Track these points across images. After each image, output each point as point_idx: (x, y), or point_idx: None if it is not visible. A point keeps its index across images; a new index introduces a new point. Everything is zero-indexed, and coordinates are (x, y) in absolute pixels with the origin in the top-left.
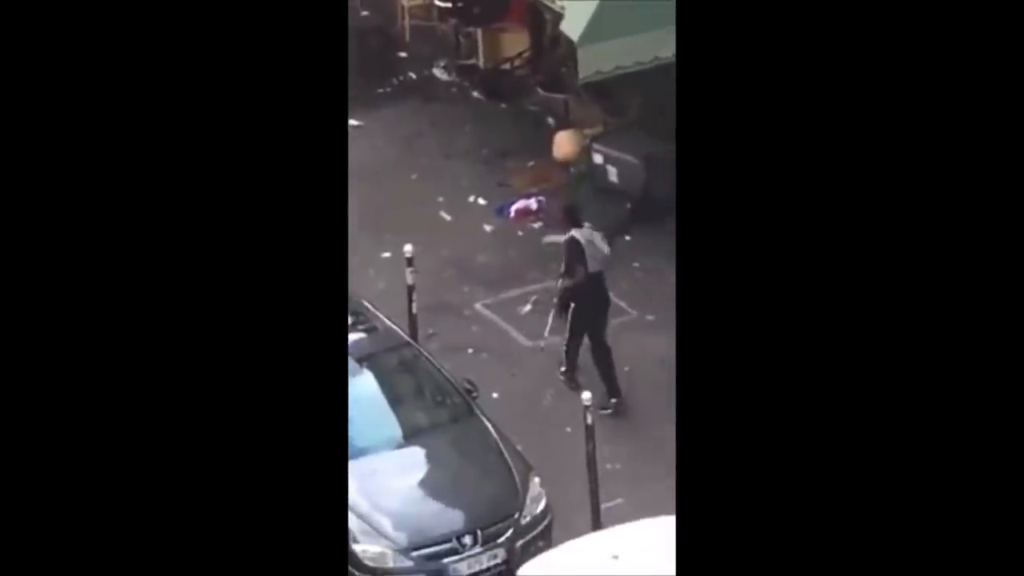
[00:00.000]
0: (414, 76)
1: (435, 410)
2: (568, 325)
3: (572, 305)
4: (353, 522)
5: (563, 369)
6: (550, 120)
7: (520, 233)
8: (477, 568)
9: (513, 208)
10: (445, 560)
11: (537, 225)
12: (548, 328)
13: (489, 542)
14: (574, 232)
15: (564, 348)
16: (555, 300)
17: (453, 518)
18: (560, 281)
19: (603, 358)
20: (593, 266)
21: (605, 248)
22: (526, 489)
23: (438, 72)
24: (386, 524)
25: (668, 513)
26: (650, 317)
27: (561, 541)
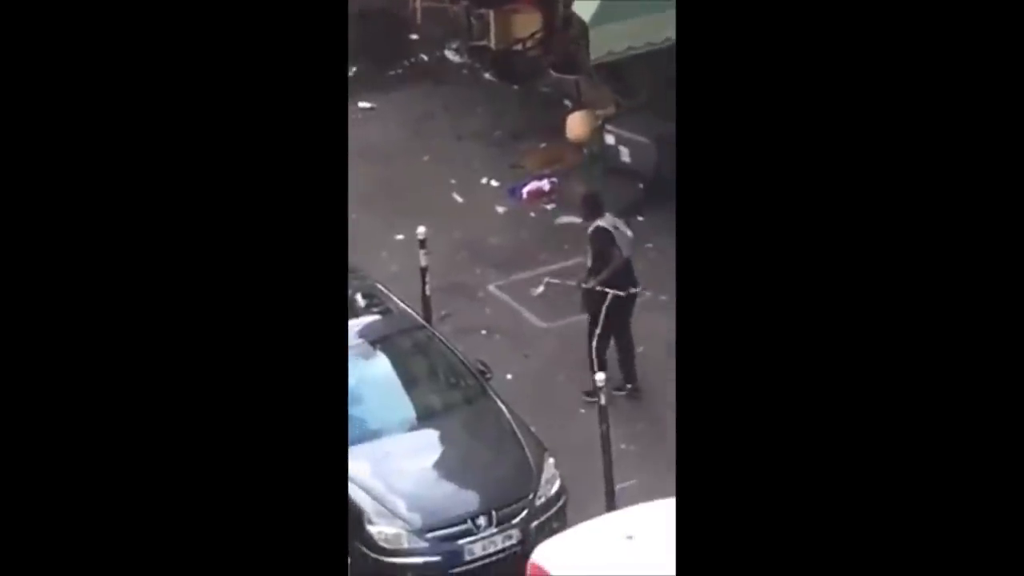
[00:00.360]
0: (425, 58)
1: (449, 392)
2: (602, 320)
3: (608, 296)
4: (368, 504)
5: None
6: (567, 101)
7: (533, 214)
8: (492, 549)
9: (526, 189)
10: (460, 541)
11: (550, 206)
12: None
13: (504, 523)
14: (600, 222)
15: (593, 346)
16: (596, 289)
17: (467, 499)
18: (588, 276)
19: (626, 345)
20: (624, 252)
21: (629, 233)
22: (540, 470)
23: (450, 54)
24: (401, 506)
25: None
26: (663, 297)
27: (576, 522)
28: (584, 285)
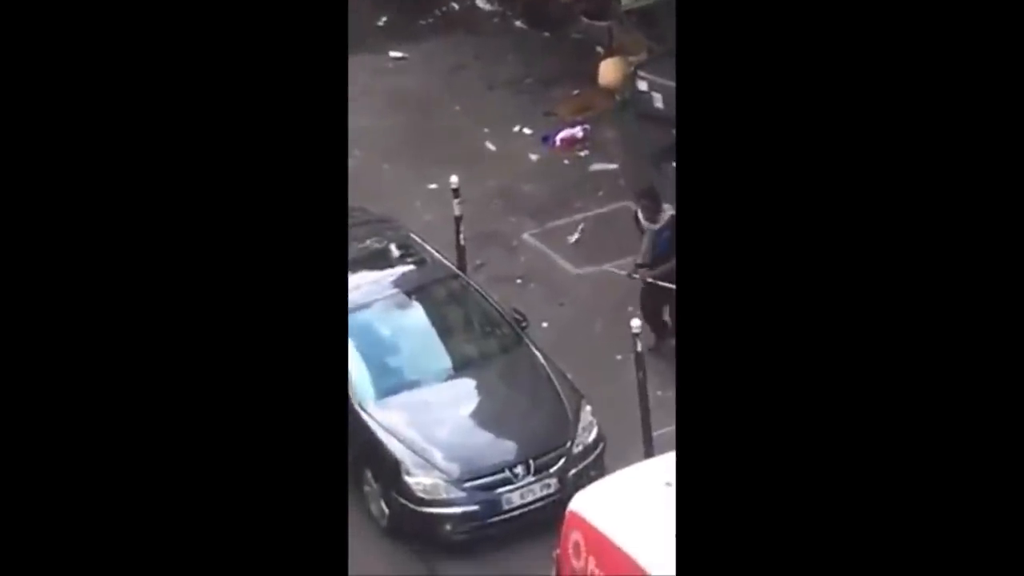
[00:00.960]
0: (456, 7)
1: (485, 341)
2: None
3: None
4: (405, 454)
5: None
6: (598, 48)
7: (566, 162)
8: (530, 498)
9: (559, 137)
10: (498, 490)
11: (583, 153)
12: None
13: (541, 472)
14: (671, 212)
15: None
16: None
17: (505, 448)
18: (639, 266)
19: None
20: None
21: None
22: (577, 418)
23: (480, 2)
24: (438, 456)
25: None
26: None
27: (614, 469)
28: (634, 275)
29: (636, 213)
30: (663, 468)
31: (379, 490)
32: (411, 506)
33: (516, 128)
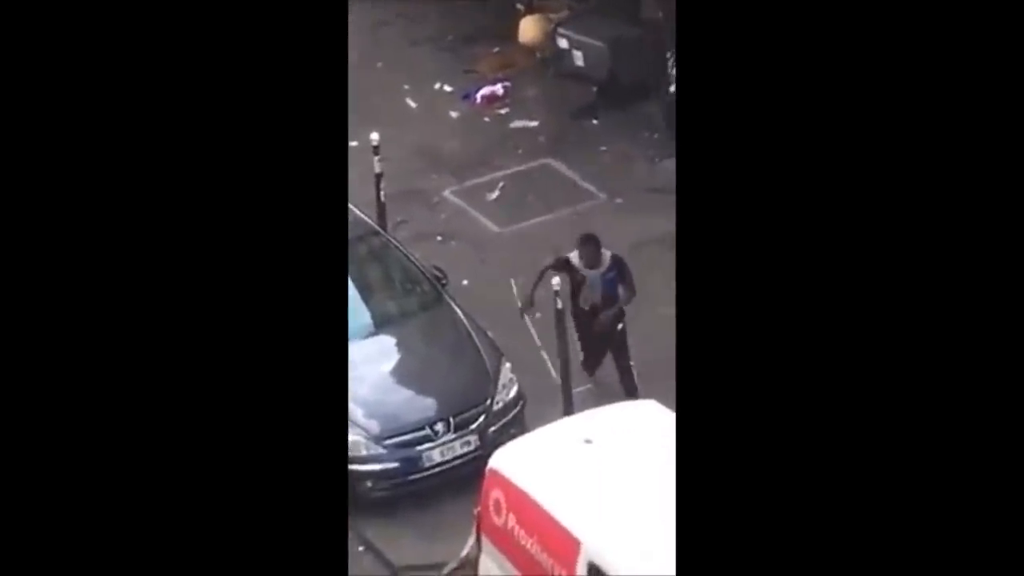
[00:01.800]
0: None
1: (405, 298)
2: (626, 343)
3: (622, 326)
4: None
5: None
6: (519, 5)
7: (487, 119)
8: (450, 455)
9: (479, 94)
10: (418, 448)
11: (504, 110)
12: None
13: (461, 429)
14: (609, 253)
15: (629, 367)
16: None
17: (425, 405)
18: (584, 303)
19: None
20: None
21: None
22: (497, 375)
23: None
24: (358, 413)
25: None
26: (619, 200)
27: (533, 427)
28: (528, 313)
29: (566, 260)
30: (582, 425)
31: None
32: None
33: (437, 85)
